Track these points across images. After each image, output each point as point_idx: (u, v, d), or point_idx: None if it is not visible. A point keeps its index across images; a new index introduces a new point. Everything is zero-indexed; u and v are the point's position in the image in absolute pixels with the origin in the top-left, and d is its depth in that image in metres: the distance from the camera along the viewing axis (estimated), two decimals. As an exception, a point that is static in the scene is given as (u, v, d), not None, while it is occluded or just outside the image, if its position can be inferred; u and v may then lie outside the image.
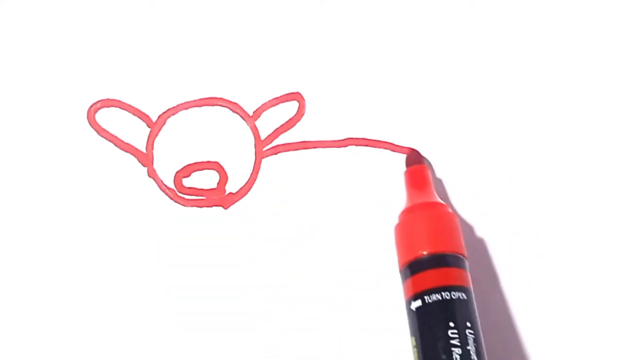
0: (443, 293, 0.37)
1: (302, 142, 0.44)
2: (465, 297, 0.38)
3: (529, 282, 0.43)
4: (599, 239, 0.43)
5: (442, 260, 0.38)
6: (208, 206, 0.43)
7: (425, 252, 0.38)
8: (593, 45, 0.45)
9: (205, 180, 0.43)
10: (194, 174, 0.43)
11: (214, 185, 0.43)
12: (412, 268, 0.38)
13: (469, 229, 0.43)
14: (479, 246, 0.44)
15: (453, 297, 0.37)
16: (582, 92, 0.45)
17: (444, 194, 0.43)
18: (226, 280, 0.43)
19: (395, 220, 0.41)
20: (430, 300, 0.37)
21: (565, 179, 0.44)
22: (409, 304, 0.38)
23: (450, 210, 0.40)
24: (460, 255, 0.39)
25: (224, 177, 0.43)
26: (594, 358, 0.42)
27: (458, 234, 0.40)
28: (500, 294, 0.43)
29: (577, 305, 0.43)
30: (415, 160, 0.42)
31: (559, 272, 0.43)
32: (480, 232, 0.44)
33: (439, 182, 0.44)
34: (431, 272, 0.38)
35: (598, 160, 0.44)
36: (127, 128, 0.43)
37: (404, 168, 0.43)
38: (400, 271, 0.39)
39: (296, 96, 0.44)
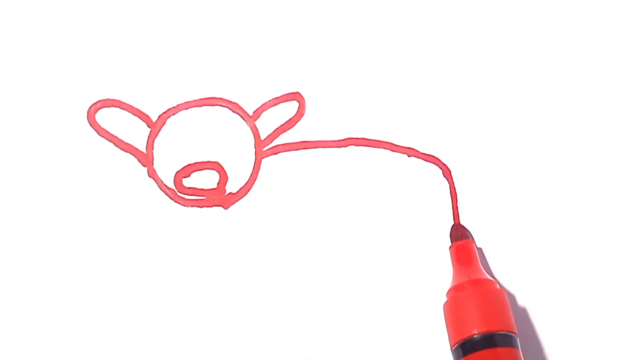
0: None
1: (302, 142, 0.44)
2: None
3: (529, 282, 0.43)
4: (599, 239, 0.43)
5: (492, 340, 0.38)
6: (208, 206, 0.43)
7: (476, 332, 0.38)
8: (593, 45, 0.45)
9: (205, 180, 0.43)
10: (194, 174, 0.43)
11: (214, 185, 0.43)
12: (465, 348, 0.39)
13: (470, 225, 0.43)
14: (477, 244, 0.44)
15: None
16: (582, 92, 0.45)
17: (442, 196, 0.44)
18: (226, 280, 0.43)
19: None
20: None
21: (565, 179, 0.44)
22: None
23: (498, 287, 0.40)
24: (510, 333, 0.39)
25: (224, 177, 0.43)
26: (594, 358, 0.42)
27: (507, 311, 0.40)
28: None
29: (577, 305, 0.43)
30: (461, 235, 0.42)
31: (559, 272, 0.43)
32: (479, 231, 0.44)
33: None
34: (486, 352, 0.38)
35: (598, 161, 0.44)
36: (127, 128, 0.43)
37: (409, 176, 0.43)
38: (452, 350, 0.39)
39: (296, 96, 0.44)
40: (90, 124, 0.43)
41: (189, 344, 0.42)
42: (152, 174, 0.43)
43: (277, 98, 0.44)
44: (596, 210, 0.44)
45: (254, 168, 0.44)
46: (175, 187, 0.43)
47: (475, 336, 0.38)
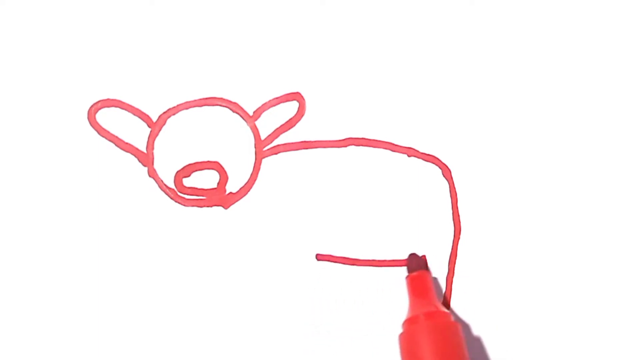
0: None
1: (302, 142, 0.44)
2: None
3: (528, 281, 0.43)
4: (599, 239, 0.43)
5: None
6: (208, 206, 0.43)
7: None
8: (593, 45, 0.45)
9: (206, 180, 0.43)
10: (194, 174, 0.43)
11: (214, 185, 0.43)
12: None
13: (470, 225, 0.44)
14: (477, 244, 0.44)
15: None
16: (582, 92, 0.45)
17: (442, 197, 0.44)
18: (226, 280, 0.43)
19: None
20: None
21: (565, 179, 0.44)
22: None
23: (452, 319, 0.40)
24: None
25: (224, 177, 0.43)
26: (593, 358, 0.42)
27: (460, 344, 0.40)
28: (497, 294, 0.43)
29: (577, 305, 0.43)
30: (417, 266, 0.42)
31: (559, 273, 0.43)
32: (479, 231, 0.44)
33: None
34: None
35: (598, 160, 0.44)
36: (127, 128, 0.43)
37: (409, 176, 0.43)
38: None
39: (296, 96, 0.44)
40: (91, 124, 0.43)
41: (189, 343, 0.42)
42: (152, 173, 0.43)
43: (277, 98, 0.44)
44: (596, 210, 0.44)
45: (254, 168, 0.44)
46: (176, 187, 0.43)
47: None
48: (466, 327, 0.43)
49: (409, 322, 0.40)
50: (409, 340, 0.40)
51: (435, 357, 0.39)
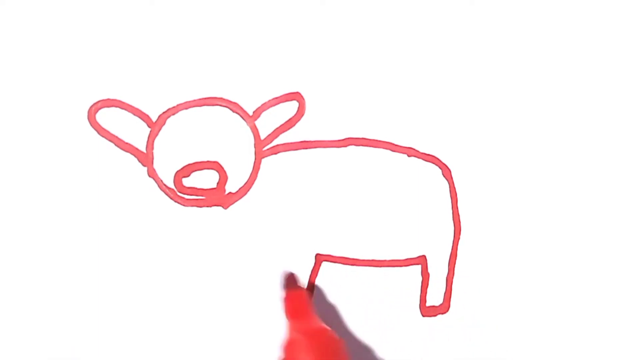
0: None
1: (302, 142, 0.44)
2: None
3: (528, 281, 0.43)
4: (599, 239, 0.43)
5: None
6: (208, 206, 0.43)
7: None
8: (593, 45, 0.45)
9: (205, 180, 0.43)
10: (194, 174, 0.43)
11: (214, 185, 0.43)
12: None
13: (470, 225, 0.44)
14: (477, 244, 0.44)
15: None
16: (582, 92, 0.45)
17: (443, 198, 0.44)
18: (226, 279, 0.43)
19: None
20: None
21: (565, 179, 0.44)
22: None
23: (334, 335, 0.39)
24: None
25: (223, 177, 0.43)
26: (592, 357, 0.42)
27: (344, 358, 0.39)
28: (496, 290, 0.43)
29: (577, 305, 0.43)
30: (292, 284, 0.42)
31: (558, 272, 0.43)
32: (479, 230, 0.44)
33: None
34: None
35: (598, 160, 0.44)
36: (127, 128, 0.43)
37: (409, 176, 0.43)
38: None
39: (296, 96, 0.44)
40: (91, 124, 0.43)
41: (188, 343, 0.42)
42: (152, 173, 0.43)
43: (277, 98, 0.44)
44: (596, 210, 0.44)
45: (253, 168, 0.44)
46: (175, 187, 0.43)
47: None
48: (466, 327, 0.43)
49: (290, 345, 0.38)
50: None
51: None
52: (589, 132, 0.44)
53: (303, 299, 0.41)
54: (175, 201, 0.43)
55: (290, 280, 0.42)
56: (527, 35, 0.45)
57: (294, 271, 0.42)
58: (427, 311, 0.43)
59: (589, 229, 0.44)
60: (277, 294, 0.43)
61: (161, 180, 0.43)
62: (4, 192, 0.43)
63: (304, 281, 0.42)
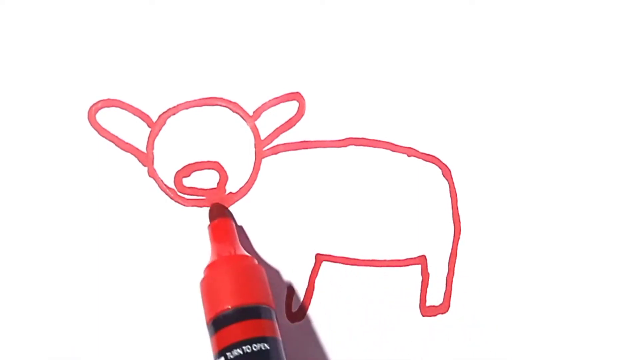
0: (244, 347, 0.37)
1: (302, 142, 0.44)
2: (268, 347, 0.37)
3: (528, 281, 0.43)
4: (599, 239, 0.43)
5: (244, 314, 0.38)
6: (208, 206, 0.43)
7: (229, 307, 0.38)
8: (593, 45, 0.45)
9: (205, 180, 0.43)
10: (194, 174, 0.43)
11: (214, 185, 0.43)
12: (216, 324, 0.38)
13: (470, 225, 0.44)
14: (477, 244, 0.44)
15: (254, 349, 0.37)
16: (582, 92, 0.45)
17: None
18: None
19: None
20: (232, 356, 0.37)
21: (565, 179, 0.44)
22: None
23: (255, 262, 0.40)
24: (265, 306, 0.38)
25: (224, 177, 0.43)
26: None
27: (262, 284, 0.39)
28: (501, 290, 0.43)
29: (577, 305, 0.43)
30: (218, 214, 0.42)
31: (559, 272, 0.43)
32: (479, 230, 0.44)
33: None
34: (233, 327, 0.37)
35: (598, 160, 0.44)
36: (127, 128, 0.43)
37: (409, 176, 0.43)
38: (207, 327, 0.39)
39: (296, 96, 0.44)
40: (91, 124, 0.43)
41: (189, 343, 0.42)
42: (152, 173, 0.43)
43: (277, 98, 0.44)
44: (596, 210, 0.44)
45: (254, 168, 0.44)
46: (176, 187, 0.43)
47: (228, 310, 0.38)
48: (466, 327, 0.43)
49: (209, 267, 0.40)
50: (209, 285, 0.39)
51: (233, 299, 0.38)
52: (590, 132, 0.44)
53: (228, 227, 0.41)
54: (176, 201, 0.43)
55: (217, 209, 0.42)
56: (527, 35, 0.45)
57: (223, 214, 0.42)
58: (427, 311, 0.43)
59: (590, 229, 0.44)
60: (277, 293, 0.43)
61: (161, 180, 0.43)
62: (3, 192, 0.43)
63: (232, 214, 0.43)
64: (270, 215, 0.43)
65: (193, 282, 0.43)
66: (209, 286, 0.39)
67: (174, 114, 0.44)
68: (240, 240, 0.41)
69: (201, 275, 0.40)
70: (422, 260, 0.44)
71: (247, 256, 0.40)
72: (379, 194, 0.44)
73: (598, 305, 0.43)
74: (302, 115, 0.44)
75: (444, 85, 0.44)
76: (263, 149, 0.44)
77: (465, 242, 0.44)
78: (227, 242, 0.41)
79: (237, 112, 0.44)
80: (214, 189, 0.43)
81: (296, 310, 0.43)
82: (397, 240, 0.43)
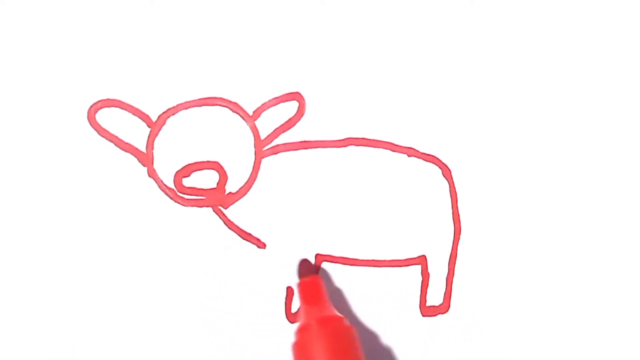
0: None
1: (302, 142, 0.44)
2: None
3: (528, 283, 0.43)
4: (599, 239, 0.43)
5: None
6: (208, 206, 0.43)
7: None
8: (593, 45, 0.45)
9: (205, 180, 0.43)
10: (194, 174, 0.43)
11: (214, 185, 0.43)
12: None
13: (470, 225, 0.44)
14: (477, 244, 0.44)
15: None
16: (582, 92, 0.45)
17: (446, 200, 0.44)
18: (226, 279, 0.43)
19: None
20: None
21: (565, 179, 0.44)
22: None
23: (347, 323, 0.40)
24: None
25: (223, 177, 0.43)
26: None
27: (355, 347, 0.39)
28: (497, 287, 0.43)
29: (577, 305, 0.43)
30: (307, 271, 0.42)
31: (558, 272, 0.43)
32: (479, 230, 0.44)
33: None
34: None
35: (598, 160, 0.44)
36: (127, 128, 0.43)
37: (409, 176, 0.43)
38: None
39: (296, 96, 0.44)
40: (91, 124, 0.43)
41: (189, 343, 0.42)
42: (152, 173, 0.43)
43: (277, 98, 0.44)
44: (596, 210, 0.44)
45: (253, 168, 0.44)
46: (175, 187, 0.43)
47: None
48: (466, 327, 0.43)
49: (302, 330, 0.40)
50: (302, 349, 0.39)
51: None
52: (590, 132, 0.44)
53: (317, 286, 0.41)
54: (176, 201, 0.43)
55: (305, 267, 0.42)
56: (527, 35, 0.45)
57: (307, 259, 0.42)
58: (427, 311, 0.43)
59: (590, 228, 0.44)
60: (277, 293, 0.43)
61: (161, 181, 0.43)
62: (3, 192, 0.43)
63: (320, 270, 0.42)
64: (269, 215, 0.43)
65: (193, 282, 0.43)
66: (303, 350, 0.39)
67: (173, 114, 0.44)
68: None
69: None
70: (422, 261, 0.44)
71: (339, 317, 0.40)
72: (379, 194, 0.44)
73: (598, 304, 0.43)
74: (302, 115, 0.44)
75: (444, 85, 0.44)
76: (263, 149, 0.44)
77: (465, 242, 0.43)
78: (318, 303, 0.40)
79: (237, 112, 0.44)
80: (214, 189, 0.43)
81: (296, 311, 0.43)
82: (397, 240, 0.43)
